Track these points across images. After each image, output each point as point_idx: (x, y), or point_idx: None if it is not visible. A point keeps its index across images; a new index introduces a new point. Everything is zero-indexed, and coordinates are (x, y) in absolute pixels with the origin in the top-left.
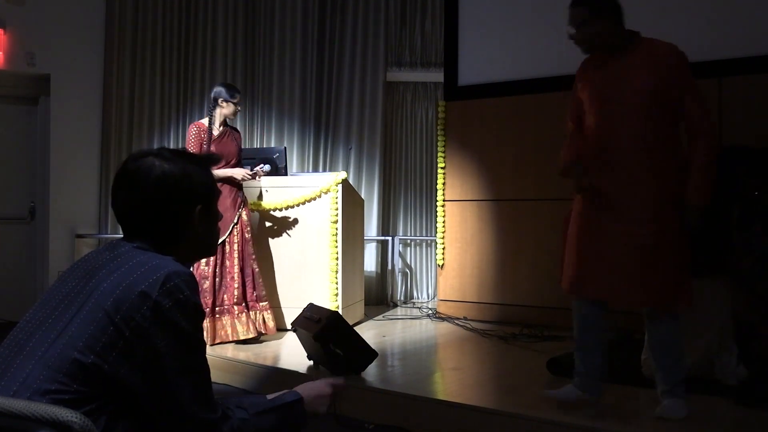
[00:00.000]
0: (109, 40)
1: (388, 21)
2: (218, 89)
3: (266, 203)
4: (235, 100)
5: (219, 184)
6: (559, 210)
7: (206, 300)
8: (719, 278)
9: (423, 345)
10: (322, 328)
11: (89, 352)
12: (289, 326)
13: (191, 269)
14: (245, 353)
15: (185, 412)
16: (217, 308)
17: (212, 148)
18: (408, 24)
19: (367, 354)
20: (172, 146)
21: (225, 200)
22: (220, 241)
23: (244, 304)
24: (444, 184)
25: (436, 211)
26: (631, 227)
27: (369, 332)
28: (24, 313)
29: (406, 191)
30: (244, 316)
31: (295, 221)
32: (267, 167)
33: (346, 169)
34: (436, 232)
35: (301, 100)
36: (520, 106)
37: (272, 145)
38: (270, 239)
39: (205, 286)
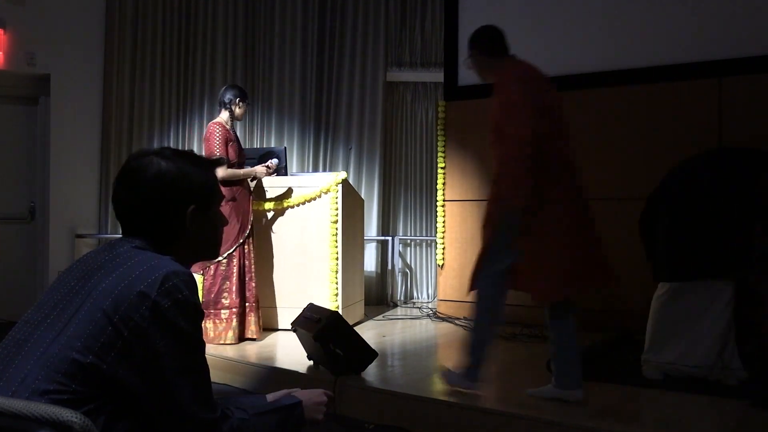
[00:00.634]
0: (109, 40)
1: (388, 21)
2: (233, 91)
3: (266, 203)
4: (246, 101)
5: (237, 188)
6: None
7: (232, 299)
8: (720, 279)
9: (423, 345)
10: (322, 328)
11: (87, 352)
12: (289, 326)
13: (209, 267)
14: (245, 353)
15: (185, 412)
16: (246, 305)
17: (234, 148)
18: (408, 24)
19: (367, 354)
20: (171, 146)
21: (244, 202)
22: (241, 240)
23: (255, 303)
24: (444, 184)
25: (436, 211)
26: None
27: (369, 332)
28: (24, 313)
29: (406, 191)
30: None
31: (295, 221)
32: (276, 161)
33: (346, 169)
34: (436, 232)
35: (301, 100)
36: None
37: (272, 145)
38: (270, 239)
39: (225, 286)
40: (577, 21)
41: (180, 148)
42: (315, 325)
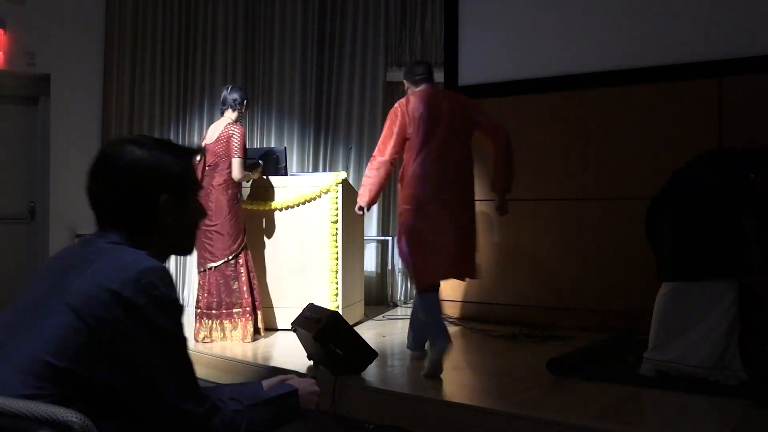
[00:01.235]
0: (109, 40)
1: (388, 21)
2: (241, 92)
3: (266, 203)
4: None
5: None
6: (560, 210)
7: (244, 298)
8: (724, 280)
9: None
10: (322, 328)
11: (62, 355)
12: (289, 326)
13: (212, 268)
14: (246, 353)
15: (172, 408)
16: (256, 303)
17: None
18: (408, 24)
19: (367, 354)
20: None
21: (240, 203)
22: (245, 241)
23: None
24: None
25: None
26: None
27: (369, 332)
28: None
29: None
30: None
31: (295, 221)
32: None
33: (346, 169)
34: None
35: (301, 100)
36: (519, 106)
37: (272, 145)
38: (270, 239)
39: (235, 286)
40: (577, 21)
41: (195, 144)
42: (315, 325)
